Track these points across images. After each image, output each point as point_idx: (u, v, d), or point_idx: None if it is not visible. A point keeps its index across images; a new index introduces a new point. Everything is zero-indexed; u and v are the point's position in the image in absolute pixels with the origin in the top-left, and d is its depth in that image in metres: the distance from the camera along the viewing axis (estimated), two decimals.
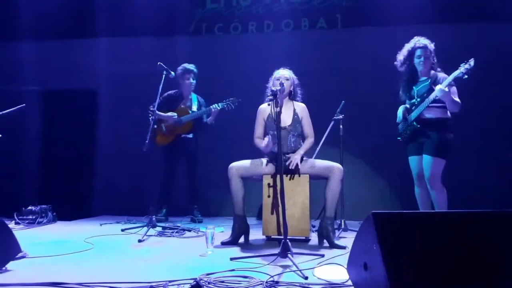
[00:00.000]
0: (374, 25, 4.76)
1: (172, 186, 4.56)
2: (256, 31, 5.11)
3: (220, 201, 4.83)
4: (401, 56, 3.41)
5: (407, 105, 3.45)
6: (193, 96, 4.54)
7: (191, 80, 4.44)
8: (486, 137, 4.36)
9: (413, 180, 3.43)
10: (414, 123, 3.30)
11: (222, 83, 4.42)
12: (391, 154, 3.51)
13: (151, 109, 4.31)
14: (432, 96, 3.14)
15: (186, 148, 4.48)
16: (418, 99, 3.30)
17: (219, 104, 4.22)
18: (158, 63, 3.96)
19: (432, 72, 3.33)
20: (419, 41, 3.34)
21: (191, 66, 4.42)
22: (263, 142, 3.24)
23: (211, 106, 4.27)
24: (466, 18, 4.56)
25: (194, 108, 4.45)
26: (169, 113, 4.38)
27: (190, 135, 4.49)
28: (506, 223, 1.76)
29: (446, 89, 3.02)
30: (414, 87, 3.38)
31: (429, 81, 3.30)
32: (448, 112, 3.24)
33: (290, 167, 3.14)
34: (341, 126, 3.89)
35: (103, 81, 5.21)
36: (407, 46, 3.38)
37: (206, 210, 4.84)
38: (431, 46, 3.32)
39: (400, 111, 3.47)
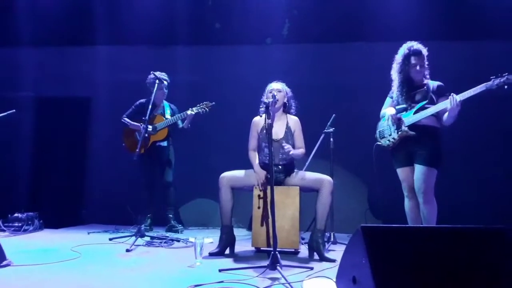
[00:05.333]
0: (367, 40, 4.82)
1: (154, 195, 4.51)
2: (251, 44, 5.14)
3: (208, 211, 4.81)
4: (395, 64, 3.24)
5: (393, 108, 3.23)
6: (165, 104, 4.54)
7: (164, 90, 4.43)
8: (473, 150, 4.42)
9: (403, 192, 3.24)
10: (407, 128, 3.07)
11: (216, 94, 4.45)
12: (381, 167, 3.53)
13: (124, 117, 4.33)
14: (445, 104, 2.94)
15: (160, 156, 4.44)
16: (413, 105, 3.11)
17: (194, 108, 4.24)
18: (151, 72, 3.96)
19: (426, 80, 3.16)
20: (413, 46, 3.14)
21: (163, 75, 4.35)
22: (256, 159, 3.29)
23: (187, 111, 4.27)
24: (458, 36, 4.65)
25: (168, 115, 4.44)
26: (137, 124, 4.35)
27: (164, 143, 4.46)
28: (493, 239, 1.78)
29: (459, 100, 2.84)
30: (408, 92, 3.17)
31: (425, 88, 3.14)
32: (439, 122, 3.11)
33: (286, 149, 3.18)
34: (331, 139, 3.92)
35: (98, 89, 5.20)
36: (401, 52, 3.21)
37: (195, 221, 4.82)
38: (425, 51, 3.16)
39: (389, 114, 3.18)
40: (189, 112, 4.24)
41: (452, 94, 2.90)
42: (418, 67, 3.14)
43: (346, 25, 4.90)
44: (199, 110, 4.22)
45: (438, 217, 3.06)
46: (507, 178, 4.37)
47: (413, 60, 3.15)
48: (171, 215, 4.44)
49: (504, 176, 4.37)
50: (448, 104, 2.92)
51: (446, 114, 3.02)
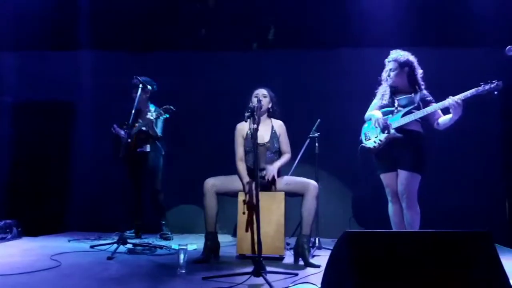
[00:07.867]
0: (352, 46, 4.85)
1: (141, 202, 4.43)
2: (237, 50, 5.11)
3: (192, 218, 4.75)
4: (384, 72, 3.27)
5: (379, 111, 3.20)
6: (151, 106, 4.28)
7: (143, 95, 4.07)
8: (456, 156, 4.47)
9: (387, 197, 3.25)
10: (394, 131, 3.07)
11: (201, 99, 4.41)
12: (365, 172, 3.55)
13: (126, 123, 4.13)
14: (440, 105, 2.95)
15: (144, 162, 4.32)
16: (400, 108, 3.10)
17: (153, 113, 3.91)
18: (134, 76, 3.91)
19: (414, 87, 3.16)
20: (392, 54, 3.19)
21: (143, 79, 3.99)
22: (244, 171, 3.25)
23: (146, 116, 3.96)
24: (444, 42, 4.70)
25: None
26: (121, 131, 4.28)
27: (146, 149, 4.31)
28: (476, 243, 1.79)
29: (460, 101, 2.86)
30: (394, 97, 3.19)
31: (412, 94, 3.13)
32: (421, 127, 3.14)
33: (266, 178, 3.16)
34: (316, 144, 3.93)
35: (80, 93, 5.09)
36: (386, 60, 3.25)
37: (178, 227, 4.75)
38: (409, 59, 3.14)
39: (376, 117, 3.14)
40: (146, 117, 3.95)
41: (449, 97, 2.90)
42: (392, 73, 3.17)
43: (332, 31, 4.91)
44: (157, 113, 3.85)
45: (422, 222, 3.07)
46: (493, 182, 4.45)
47: (388, 66, 3.22)
48: (163, 222, 4.36)
49: (489, 179, 4.44)
50: (447, 103, 2.91)
51: (445, 118, 3.03)
